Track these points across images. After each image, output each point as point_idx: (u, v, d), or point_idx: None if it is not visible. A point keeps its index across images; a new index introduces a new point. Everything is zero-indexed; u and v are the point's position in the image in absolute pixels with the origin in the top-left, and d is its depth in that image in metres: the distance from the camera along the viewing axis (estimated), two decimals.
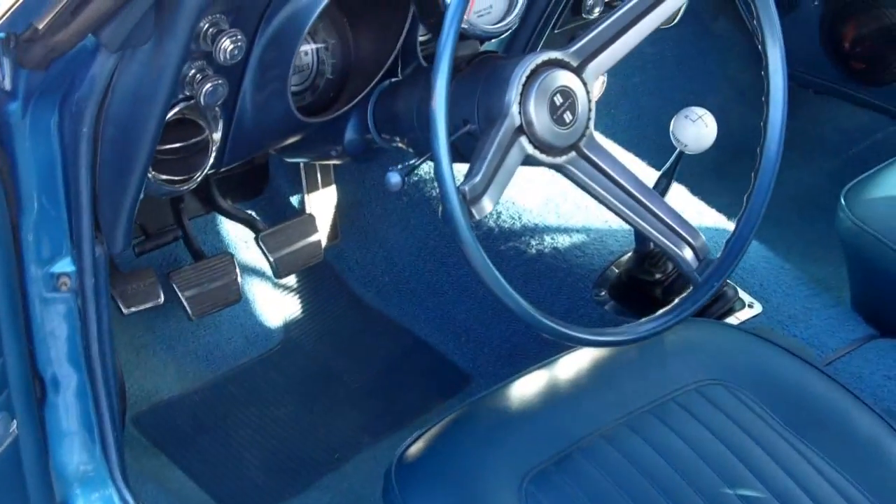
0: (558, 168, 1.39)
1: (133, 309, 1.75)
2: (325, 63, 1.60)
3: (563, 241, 2.06)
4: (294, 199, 2.25)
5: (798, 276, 2.01)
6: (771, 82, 1.48)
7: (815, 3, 2.65)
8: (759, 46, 1.48)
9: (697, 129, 1.66)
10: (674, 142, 1.70)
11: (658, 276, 1.88)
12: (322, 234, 2.05)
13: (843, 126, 2.73)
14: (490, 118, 1.36)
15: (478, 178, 1.27)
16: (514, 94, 1.34)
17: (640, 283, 1.91)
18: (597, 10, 1.81)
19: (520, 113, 1.34)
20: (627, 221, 1.43)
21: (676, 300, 1.45)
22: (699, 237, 1.45)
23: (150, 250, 1.86)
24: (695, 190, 2.17)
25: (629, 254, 1.98)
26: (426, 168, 2.15)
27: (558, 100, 1.36)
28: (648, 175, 2.17)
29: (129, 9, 1.16)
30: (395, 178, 1.34)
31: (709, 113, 1.67)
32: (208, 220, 2.16)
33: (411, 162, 1.37)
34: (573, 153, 1.39)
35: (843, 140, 2.73)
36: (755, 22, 1.47)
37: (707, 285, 1.45)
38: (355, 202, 2.26)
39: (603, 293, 1.98)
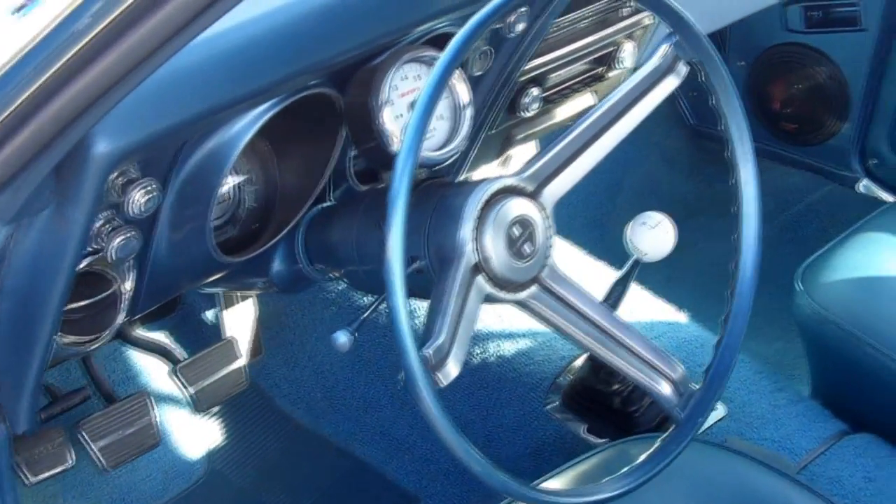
0: (520, 304, 1.25)
1: (40, 476, 1.55)
2: (247, 191, 1.44)
3: (509, 347, 1.92)
4: (209, 314, 2.07)
5: (758, 368, 1.90)
6: (743, 194, 1.37)
7: (741, 63, 2.56)
8: (727, 154, 1.36)
9: (656, 236, 1.54)
10: (631, 249, 1.57)
11: (616, 386, 1.75)
12: (245, 358, 1.87)
13: (777, 188, 2.64)
14: (442, 256, 1.20)
15: (441, 338, 1.12)
16: (468, 230, 1.19)
17: (597, 392, 1.78)
18: (534, 108, 1.68)
19: (476, 250, 1.19)
20: (598, 357, 1.29)
21: (658, 443, 1.31)
22: (677, 368, 1.31)
23: (57, 415, 1.66)
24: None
25: (582, 358, 1.85)
26: None
27: (516, 231, 1.21)
28: (596, 269, 2.06)
29: (25, 177, 0.99)
30: (342, 338, 1.20)
31: (667, 217, 1.55)
32: (116, 346, 1.97)
33: (361, 317, 1.21)
34: (535, 287, 1.25)
35: (778, 203, 2.64)
36: (722, 128, 1.35)
37: (691, 423, 1.31)
38: (277, 313, 2.09)
39: (556, 403, 1.84)
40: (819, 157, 2.59)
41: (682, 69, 1.30)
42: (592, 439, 1.80)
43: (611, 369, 1.69)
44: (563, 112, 1.81)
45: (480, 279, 1.19)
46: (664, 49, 1.29)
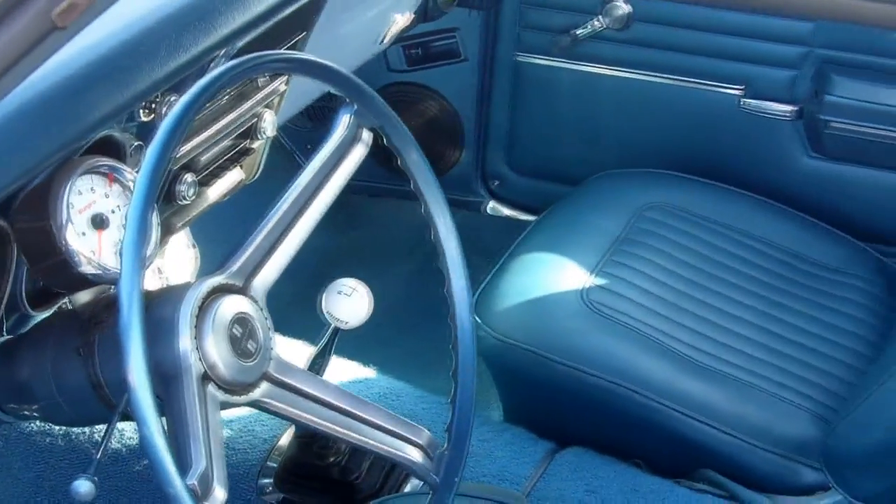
0: (255, 404, 1.19)
1: None
2: None
3: None
4: None
5: (441, 401, 1.92)
6: (444, 247, 1.42)
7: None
8: (422, 210, 1.38)
9: (354, 302, 1.52)
10: (328, 319, 1.54)
11: (332, 458, 1.71)
12: None
13: (412, 224, 2.67)
14: (164, 373, 1.12)
15: (202, 464, 1.04)
16: (188, 339, 1.11)
17: (313, 467, 1.73)
18: (191, 193, 1.61)
19: (200, 359, 1.12)
20: (342, 440, 1.25)
21: None
22: (422, 432, 1.30)
23: None
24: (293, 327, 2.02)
25: (286, 437, 1.79)
26: None
27: (237, 330, 1.16)
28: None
29: None
30: (84, 487, 1.08)
31: (361, 282, 1.54)
32: None
33: (95, 458, 1.10)
34: (266, 383, 1.19)
35: (416, 238, 2.68)
36: (412, 187, 1.35)
37: (447, 485, 1.30)
38: None
39: (270, 489, 1.77)
40: (445, 188, 2.64)
41: (367, 136, 1.30)
42: None
43: (323, 443, 1.69)
44: (216, 192, 1.75)
45: (212, 388, 1.13)
46: (346, 119, 1.28)
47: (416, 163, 1.34)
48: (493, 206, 2.66)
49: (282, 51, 1.21)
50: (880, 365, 1.73)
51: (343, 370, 1.97)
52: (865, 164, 2.18)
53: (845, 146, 2.16)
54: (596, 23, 2.26)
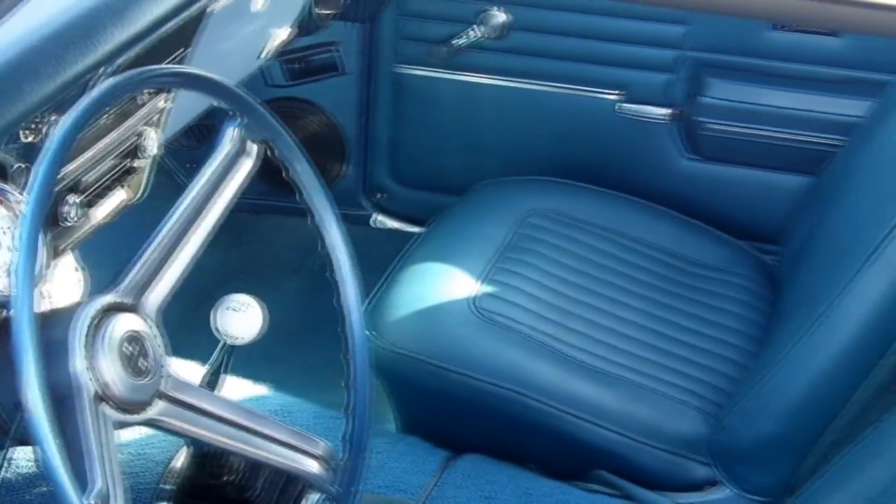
0: (151, 423, 1.18)
1: None
2: None
3: None
4: None
5: (336, 416, 1.92)
6: (335, 258, 1.42)
7: None
8: (311, 223, 1.38)
9: (247, 318, 1.51)
10: (222, 337, 1.53)
11: (226, 476, 1.69)
12: None
13: (295, 239, 2.69)
14: (57, 395, 1.10)
15: (99, 483, 1.03)
16: (80, 359, 1.10)
17: (208, 487, 1.70)
18: (75, 215, 1.58)
19: (94, 379, 1.10)
20: (241, 455, 1.25)
21: None
22: (320, 444, 1.31)
23: None
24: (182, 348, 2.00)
25: (181, 459, 1.76)
26: None
27: (129, 349, 1.15)
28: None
29: None
30: None
31: (252, 298, 1.53)
32: None
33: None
34: (161, 401, 1.18)
35: (299, 254, 2.69)
36: (302, 199, 1.36)
37: (347, 495, 1.31)
38: None
39: None
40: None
41: (254, 149, 1.30)
42: None
43: (218, 462, 1.68)
44: (101, 212, 1.72)
45: (106, 408, 1.11)
46: (232, 133, 1.28)
47: (304, 173, 1.34)
48: (379, 220, 2.68)
49: (170, 65, 1.20)
50: (763, 360, 1.78)
51: (236, 388, 1.95)
52: (740, 164, 2.25)
53: (720, 147, 2.23)
54: (473, 32, 2.29)
